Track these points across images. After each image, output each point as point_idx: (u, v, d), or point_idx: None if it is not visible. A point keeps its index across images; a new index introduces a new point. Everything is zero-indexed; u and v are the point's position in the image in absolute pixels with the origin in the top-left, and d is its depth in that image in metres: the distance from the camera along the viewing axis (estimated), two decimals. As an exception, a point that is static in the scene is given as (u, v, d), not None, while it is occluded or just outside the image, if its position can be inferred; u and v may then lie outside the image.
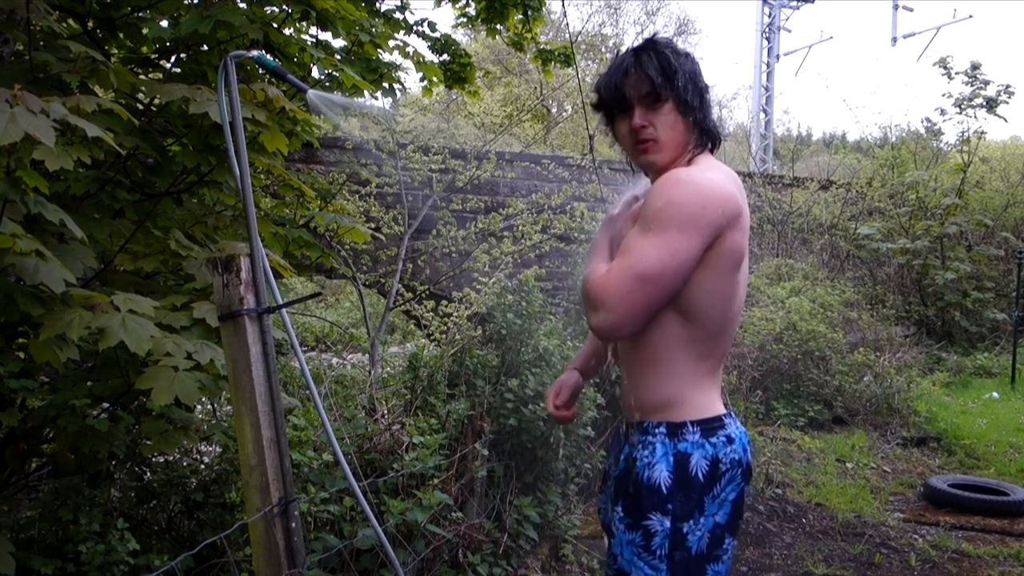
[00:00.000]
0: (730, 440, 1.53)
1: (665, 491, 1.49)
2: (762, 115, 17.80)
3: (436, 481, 2.89)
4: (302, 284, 9.42)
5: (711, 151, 1.58)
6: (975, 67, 10.44)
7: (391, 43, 3.79)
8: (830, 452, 5.46)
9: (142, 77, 2.75)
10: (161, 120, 2.73)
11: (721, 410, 1.56)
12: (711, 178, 1.45)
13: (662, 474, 1.49)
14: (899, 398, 6.46)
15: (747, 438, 1.59)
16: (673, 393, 1.52)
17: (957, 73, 10.55)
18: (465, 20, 5.40)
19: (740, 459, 1.54)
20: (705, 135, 1.55)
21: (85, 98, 1.83)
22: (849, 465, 5.27)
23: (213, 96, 2.14)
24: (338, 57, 3.29)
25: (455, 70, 5.26)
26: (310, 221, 3.34)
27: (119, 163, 2.50)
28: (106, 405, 2.40)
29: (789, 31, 18.85)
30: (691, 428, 1.51)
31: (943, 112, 11.03)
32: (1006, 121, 18.56)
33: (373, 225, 6.47)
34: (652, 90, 1.49)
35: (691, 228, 1.40)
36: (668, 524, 1.48)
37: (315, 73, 3.07)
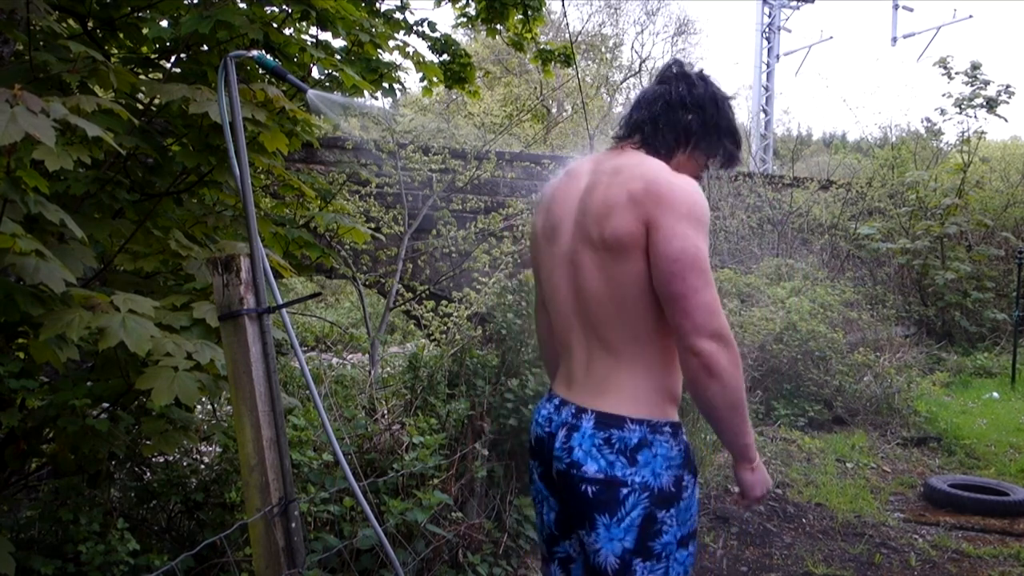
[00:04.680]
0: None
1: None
2: (762, 115, 17.78)
3: (436, 481, 2.89)
4: (302, 284, 9.42)
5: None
6: (975, 67, 10.44)
7: (391, 43, 3.79)
8: (830, 452, 5.46)
9: (142, 77, 2.75)
10: (161, 120, 2.73)
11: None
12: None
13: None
14: (899, 398, 6.46)
15: (542, 414, 1.62)
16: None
17: (957, 73, 10.55)
18: (465, 20, 5.41)
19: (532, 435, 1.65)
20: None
21: (85, 98, 1.83)
22: (849, 465, 5.26)
23: (213, 96, 2.14)
24: (338, 57, 3.29)
25: (455, 70, 5.26)
26: (310, 221, 3.34)
27: (119, 163, 2.50)
28: (106, 405, 2.40)
29: (789, 31, 18.83)
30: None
31: (943, 112, 11.04)
32: (1006, 121, 18.54)
33: (373, 225, 6.47)
34: None
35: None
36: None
37: (315, 73, 3.07)
